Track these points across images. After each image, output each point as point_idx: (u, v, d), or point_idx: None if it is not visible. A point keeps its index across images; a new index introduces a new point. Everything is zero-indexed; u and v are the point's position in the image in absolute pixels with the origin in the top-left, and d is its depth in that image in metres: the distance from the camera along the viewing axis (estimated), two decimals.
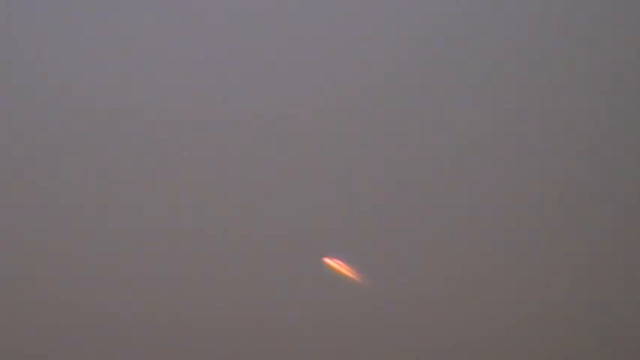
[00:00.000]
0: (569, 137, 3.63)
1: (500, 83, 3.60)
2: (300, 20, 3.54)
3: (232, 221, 3.55)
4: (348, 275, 3.52)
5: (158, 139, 3.52)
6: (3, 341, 3.50)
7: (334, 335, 3.58)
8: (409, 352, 3.61)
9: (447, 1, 3.57)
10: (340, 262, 3.52)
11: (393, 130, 3.58)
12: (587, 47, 3.62)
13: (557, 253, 3.65)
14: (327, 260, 3.51)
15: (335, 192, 3.57)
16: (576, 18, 3.62)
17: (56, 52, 3.47)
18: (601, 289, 3.65)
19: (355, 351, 3.59)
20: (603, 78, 3.63)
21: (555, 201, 3.64)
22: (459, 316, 3.62)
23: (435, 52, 3.57)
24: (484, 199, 3.62)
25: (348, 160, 3.57)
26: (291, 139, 3.55)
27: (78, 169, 3.50)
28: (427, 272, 3.59)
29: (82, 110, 3.49)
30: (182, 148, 3.53)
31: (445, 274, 3.60)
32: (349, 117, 3.57)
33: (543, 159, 3.62)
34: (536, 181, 3.63)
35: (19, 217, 3.49)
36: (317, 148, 3.56)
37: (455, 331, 3.62)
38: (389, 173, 3.59)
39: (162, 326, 3.56)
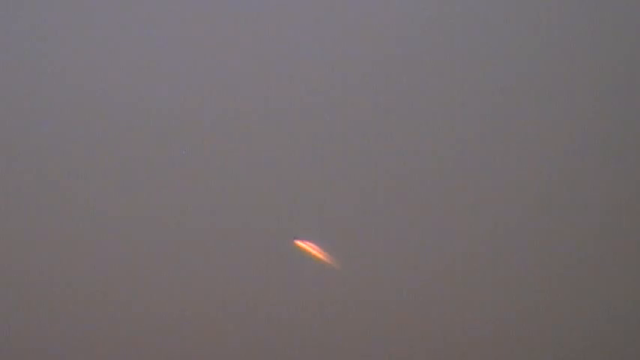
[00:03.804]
0: (566, 137, 3.63)
1: (497, 82, 3.60)
2: (297, 19, 3.57)
3: (213, 208, 3.60)
4: (319, 257, 3.55)
5: (157, 139, 3.55)
6: (3, 341, 3.58)
7: (307, 317, 3.63)
8: (381, 334, 3.65)
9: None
10: (312, 244, 3.55)
11: (374, 119, 3.61)
12: (586, 47, 3.63)
13: (539, 252, 3.67)
14: (299, 242, 3.55)
15: (309, 177, 3.61)
16: (575, 17, 3.63)
17: (55, 52, 3.55)
18: (599, 289, 3.66)
19: (327, 333, 3.64)
20: (603, 78, 3.62)
21: (546, 200, 3.66)
22: (430, 299, 3.65)
23: (432, 51, 3.58)
24: (454, 185, 3.64)
25: (323, 146, 3.61)
26: (277, 131, 3.59)
27: (77, 169, 3.59)
28: (400, 255, 3.63)
29: (82, 110, 3.58)
30: (181, 147, 3.57)
31: (418, 258, 3.63)
32: (330, 109, 3.60)
33: (536, 158, 3.63)
34: (523, 180, 3.65)
35: (18, 216, 3.56)
36: (297, 137, 3.60)
37: (426, 313, 3.65)
38: (364, 160, 3.62)
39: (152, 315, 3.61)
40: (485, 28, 3.62)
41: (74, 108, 3.57)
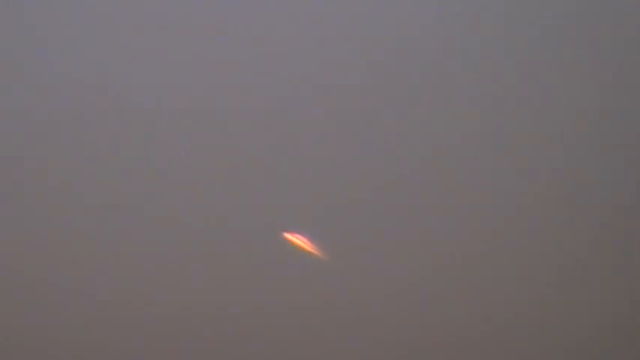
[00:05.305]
0: (564, 137, 3.62)
1: (496, 82, 3.61)
2: (297, 19, 3.60)
3: (205, 203, 3.62)
4: (308, 250, 3.56)
5: (157, 139, 3.59)
6: (3, 341, 3.61)
7: (295, 309, 3.63)
8: (368, 328, 3.63)
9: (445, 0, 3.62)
10: (300, 237, 3.56)
11: (368, 115, 3.63)
12: (586, 47, 3.63)
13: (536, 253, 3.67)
14: (288, 235, 3.56)
15: (303, 171, 3.63)
16: (574, 18, 3.63)
17: (58, 51, 3.59)
18: (599, 289, 3.63)
19: (315, 325, 3.63)
20: (603, 78, 3.61)
21: (545, 201, 3.65)
22: (422, 293, 3.64)
23: (432, 51, 3.61)
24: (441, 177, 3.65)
25: (317, 143, 3.63)
26: (274, 129, 3.62)
27: (77, 168, 3.64)
28: (389, 248, 3.62)
29: (82, 110, 3.63)
30: (182, 148, 3.60)
31: (407, 252, 3.63)
32: (327, 107, 3.62)
33: (536, 158, 3.62)
34: (521, 180, 3.65)
35: (18, 216, 3.60)
36: (292, 135, 3.63)
37: (417, 307, 3.64)
38: (355, 155, 3.63)
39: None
40: (485, 28, 3.62)
41: (74, 108, 3.62)
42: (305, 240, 3.56)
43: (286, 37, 3.62)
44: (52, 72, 3.60)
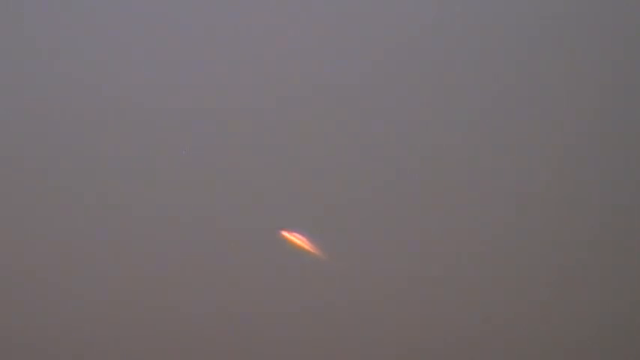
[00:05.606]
0: (564, 137, 3.62)
1: (496, 82, 3.62)
2: (297, 19, 3.61)
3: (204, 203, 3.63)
4: (307, 249, 3.56)
5: (157, 139, 3.60)
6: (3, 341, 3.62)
7: (293, 308, 3.63)
8: (368, 327, 3.63)
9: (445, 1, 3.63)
10: (299, 236, 3.56)
11: (367, 115, 3.63)
12: (587, 47, 3.63)
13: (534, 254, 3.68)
14: (286, 234, 3.56)
15: (302, 170, 3.64)
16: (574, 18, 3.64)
17: (58, 51, 3.59)
18: (599, 289, 3.64)
19: (313, 325, 3.63)
20: (602, 78, 3.62)
21: (544, 201, 3.66)
22: (419, 292, 3.64)
23: (432, 51, 3.62)
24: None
25: (316, 143, 3.64)
26: (273, 128, 3.63)
27: (78, 169, 3.65)
28: (388, 248, 3.62)
29: (82, 110, 3.64)
30: (182, 148, 3.61)
31: (406, 252, 3.63)
32: (327, 107, 3.63)
33: (535, 158, 3.62)
34: (520, 180, 3.65)
35: (18, 216, 3.60)
36: (292, 134, 3.63)
37: (412, 306, 3.64)
38: (352, 153, 3.64)
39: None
40: (485, 29, 3.62)
41: (74, 108, 3.63)
42: (303, 239, 3.56)
43: (286, 37, 3.62)
44: (52, 72, 3.61)
